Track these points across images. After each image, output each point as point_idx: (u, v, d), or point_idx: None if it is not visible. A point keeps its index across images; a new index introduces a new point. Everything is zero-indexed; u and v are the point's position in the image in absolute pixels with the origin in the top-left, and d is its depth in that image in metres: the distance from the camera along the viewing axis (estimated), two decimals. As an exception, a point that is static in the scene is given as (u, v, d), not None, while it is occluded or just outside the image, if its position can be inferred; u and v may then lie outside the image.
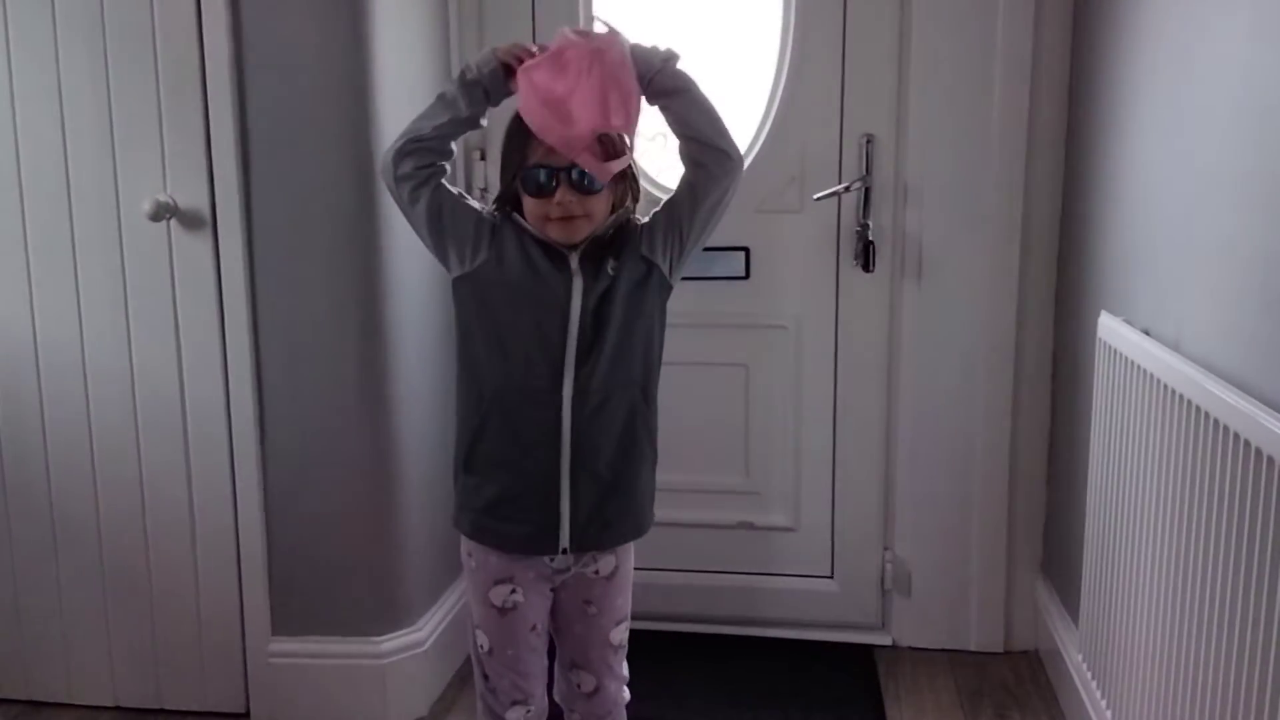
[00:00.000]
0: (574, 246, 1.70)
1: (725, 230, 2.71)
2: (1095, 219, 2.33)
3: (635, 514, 1.82)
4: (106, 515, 2.48)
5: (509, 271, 1.70)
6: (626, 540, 1.84)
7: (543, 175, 1.64)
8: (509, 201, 1.73)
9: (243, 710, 2.51)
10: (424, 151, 1.72)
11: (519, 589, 1.78)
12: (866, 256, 2.64)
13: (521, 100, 1.64)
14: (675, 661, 2.74)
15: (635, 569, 2.80)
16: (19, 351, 2.44)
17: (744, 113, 2.72)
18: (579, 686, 1.88)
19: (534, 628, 1.81)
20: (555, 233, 1.67)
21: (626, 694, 1.91)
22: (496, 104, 1.73)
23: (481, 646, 1.82)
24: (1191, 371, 1.63)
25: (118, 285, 2.38)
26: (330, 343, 2.35)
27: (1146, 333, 1.90)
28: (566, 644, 1.88)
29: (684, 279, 2.71)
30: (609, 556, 1.83)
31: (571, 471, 1.72)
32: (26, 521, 2.51)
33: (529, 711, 1.83)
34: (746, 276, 2.75)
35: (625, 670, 1.91)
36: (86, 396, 2.43)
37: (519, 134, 1.66)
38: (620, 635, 1.88)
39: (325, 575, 2.44)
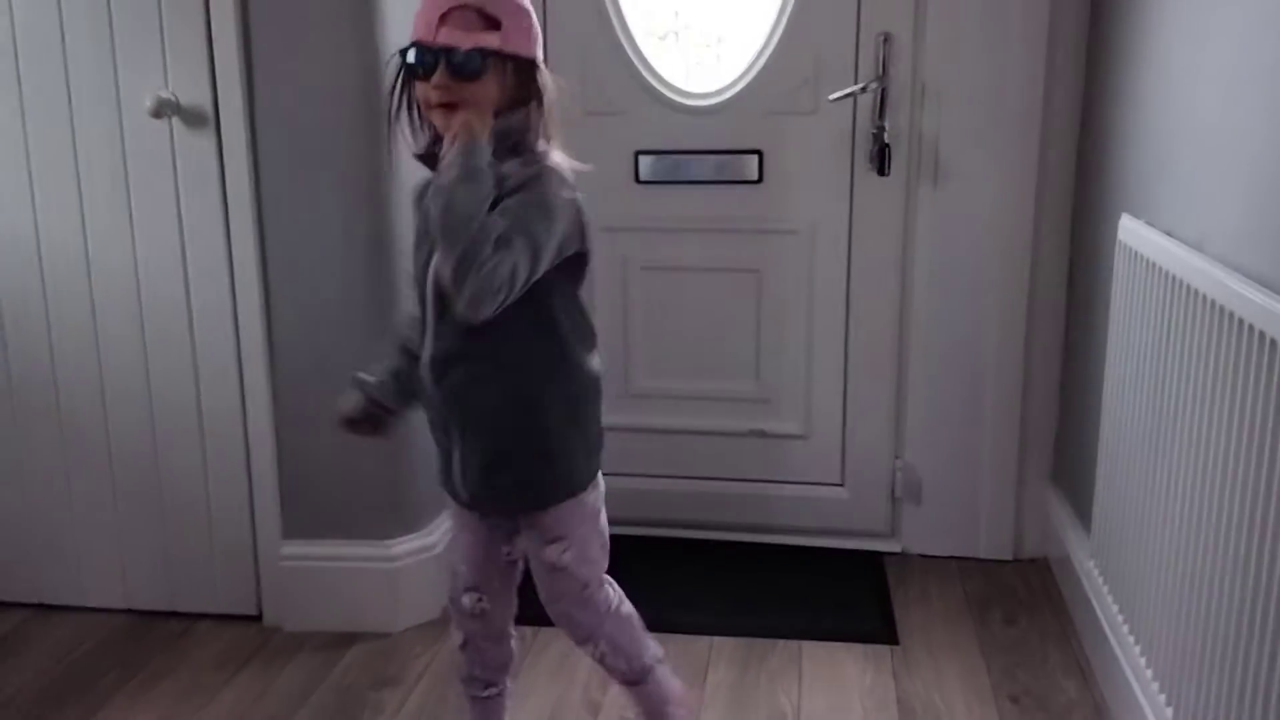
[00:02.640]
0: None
1: (737, 133, 2.69)
2: (1117, 121, 2.28)
3: (535, 485, 1.68)
4: (114, 418, 2.48)
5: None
6: (524, 508, 1.72)
7: (412, 54, 1.53)
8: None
9: (254, 613, 2.53)
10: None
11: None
12: (882, 160, 2.59)
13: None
14: (684, 568, 2.75)
15: (646, 476, 2.82)
16: (23, 253, 2.41)
17: (756, 11, 2.65)
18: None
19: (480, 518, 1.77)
20: (438, 121, 1.55)
21: (605, 601, 1.78)
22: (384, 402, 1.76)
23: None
24: (1216, 271, 1.60)
25: (120, 184, 2.34)
26: (338, 243, 2.32)
27: (1169, 235, 1.86)
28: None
29: (694, 183, 2.73)
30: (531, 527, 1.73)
31: (460, 434, 1.66)
32: (34, 425, 2.51)
33: (480, 599, 1.80)
34: (759, 180, 2.70)
35: (601, 591, 1.78)
36: (91, 298, 2.41)
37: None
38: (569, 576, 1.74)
39: (336, 479, 2.44)
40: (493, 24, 1.51)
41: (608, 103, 2.68)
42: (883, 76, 2.59)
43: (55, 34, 2.29)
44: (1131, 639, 1.98)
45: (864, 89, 2.59)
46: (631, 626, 1.82)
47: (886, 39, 2.57)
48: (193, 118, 2.28)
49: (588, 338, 1.68)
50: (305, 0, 2.23)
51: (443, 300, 1.56)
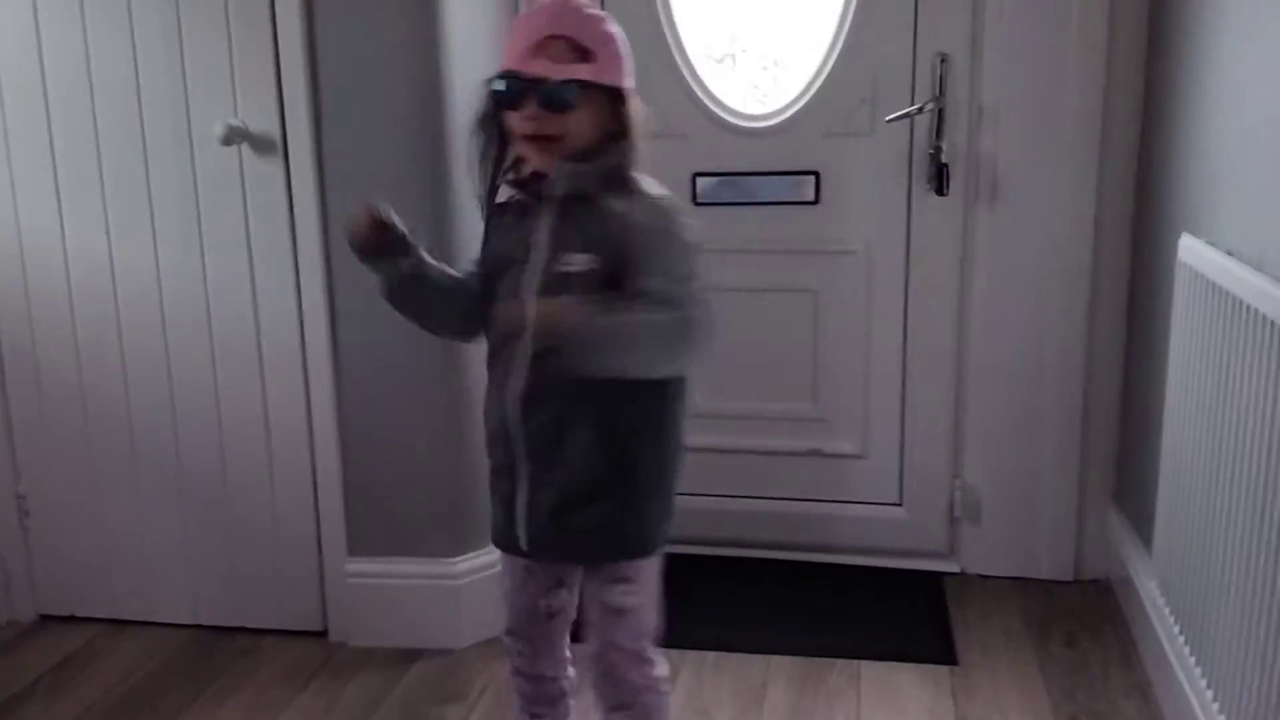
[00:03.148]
0: (540, 195, 1.54)
1: (794, 154, 2.71)
2: (1177, 139, 2.27)
3: (607, 534, 1.61)
4: (185, 437, 2.54)
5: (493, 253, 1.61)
6: (595, 561, 1.66)
7: (502, 84, 1.50)
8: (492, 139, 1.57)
9: (320, 629, 2.58)
10: (446, 322, 1.72)
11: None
12: (940, 179, 2.59)
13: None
14: (742, 587, 2.76)
15: (705, 495, 2.82)
16: (98, 276, 2.49)
17: (813, 33, 2.66)
18: (589, 649, 1.70)
19: (529, 570, 1.72)
20: (528, 153, 1.53)
21: (657, 670, 1.70)
22: (391, 258, 1.61)
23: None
24: (1277, 292, 1.58)
25: (191, 210, 2.41)
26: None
27: (1230, 254, 1.84)
28: (582, 600, 1.74)
29: (751, 204, 2.74)
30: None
31: (533, 474, 1.59)
32: (107, 444, 2.58)
33: (517, 642, 1.76)
34: (816, 201, 2.72)
35: (654, 656, 1.71)
36: (163, 320, 2.48)
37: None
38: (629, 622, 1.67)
39: (400, 497, 2.48)
40: (585, 54, 1.50)
41: (666, 125, 2.69)
42: (940, 97, 2.59)
43: (129, 65, 2.36)
44: (1193, 661, 1.96)
45: (921, 109, 2.60)
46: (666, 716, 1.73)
47: (944, 59, 2.58)
48: (261, 145, 2.34)
49: (685, 403, 1.62)
50: (371, 30, 2.28)
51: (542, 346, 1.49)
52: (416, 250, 1.63)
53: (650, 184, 1.56)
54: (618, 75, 1.53)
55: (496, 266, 1.61)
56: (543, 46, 1.48)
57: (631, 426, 1.57)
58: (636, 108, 1.55)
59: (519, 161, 1.58)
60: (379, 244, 1.59)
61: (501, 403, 1.59)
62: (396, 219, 1.60)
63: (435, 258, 1.67)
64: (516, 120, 1.51)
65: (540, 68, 1.48)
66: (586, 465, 1.57)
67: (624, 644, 1.66)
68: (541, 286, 1.53)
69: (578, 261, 1.52)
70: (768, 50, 2.75)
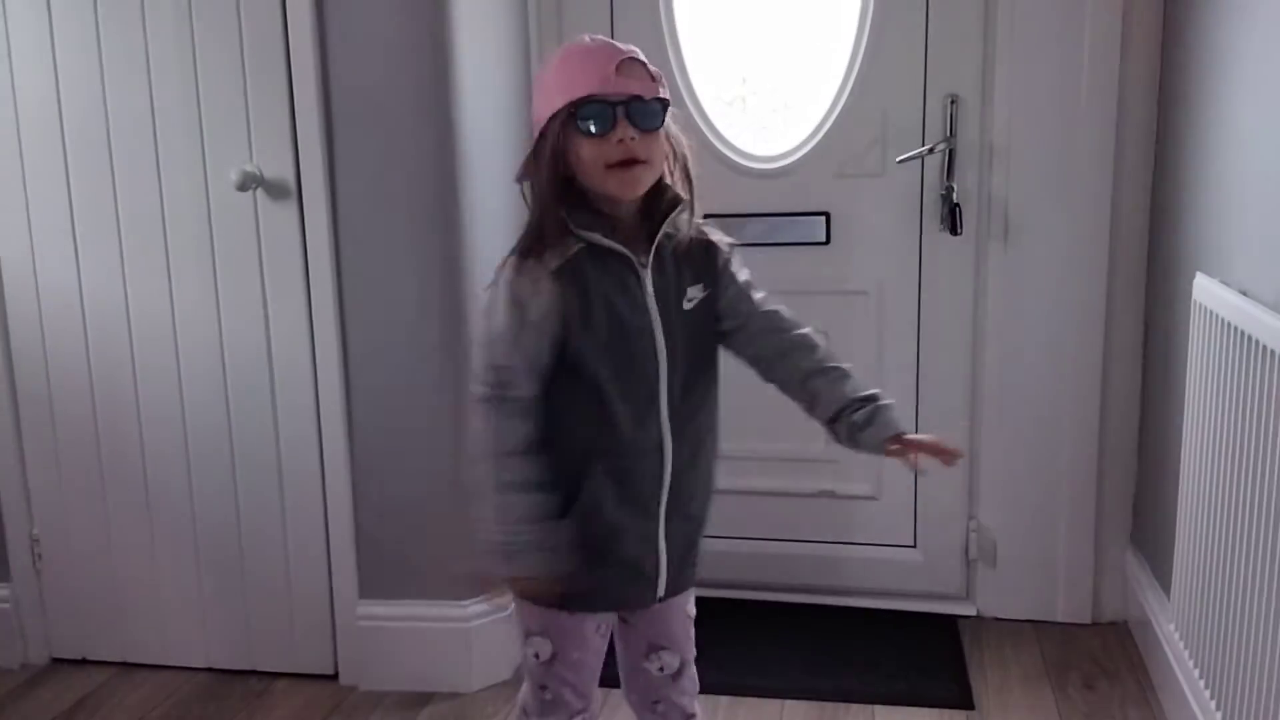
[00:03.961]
0: (635, 235, 1.49)
1: (805, 195, 2.71)
2: (1189, 178, 2.27)
3: (701, 556, 1.69)
4: (198, 481, 2.54)
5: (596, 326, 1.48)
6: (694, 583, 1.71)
7: (595, 109, 1.41)
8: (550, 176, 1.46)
9: (331, 672, 2.57)
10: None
11: None
12: (952, 220, 2.60)
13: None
14: (757, 630, 2.73)
15: (717, 537, 2.80)
16: (112, 321, 2.51)
17: (824, 72, 2.68)
18: (662, 669, 1.71)
19: (599, 626, 1.66)
20: (614, 186, 1.44)
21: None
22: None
23: (538, 655, 1.65)
24: (1293, 332, 1.58)
25: (206, 255, 2.43)
26: (414, 310, 2.37)
27: (1244, 294, 1.84)
28: (643, 627, 1.70)
29: (762, 245, 2.74)
30: None
31: (670, 523, 1.58)
32: (121, 488, 2.58)
33: (586, 707, 1.71)
34: (827, 241, 2.72)
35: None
36: (177, 364, 2.49)
37: (552, 85, 1.46)
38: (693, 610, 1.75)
39: (412, 539, 2.47)
40: (656, 77, 1.47)
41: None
42: (951, 137, 2.60)
43: (146, 110, 2.39)
44: (1213, 705, 1.94)
45: (932, 150, 2.60)
46: None
47: (954, 100, 2.59)
48: (276, 190, 2.36)
49: None
50: (385, 77, 2.31)
51: (687, 377, 1.52)
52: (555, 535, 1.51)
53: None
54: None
55: (612, 332, 1.48)
56: (624, 68, 1.43)
57: (717, 441, 1.64)
58: (685, 141, 1.55)
59: (584, 204, 1.48)
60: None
61: (655, 459, 1.53)
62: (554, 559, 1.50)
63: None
64: (601, 149, 1.42)
65: (629, 86, 1.42)
66: (707, 494, 1.63)
67: (687, 669, 1.73)
68: (677, 331, 1.52)
69: (695, 294, 1.54)
70: (778, 92, 2.77)
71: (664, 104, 1.46)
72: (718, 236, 1.60)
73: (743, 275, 1.61)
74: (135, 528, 2.59)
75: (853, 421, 1.54)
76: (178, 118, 2.38)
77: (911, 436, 1.53)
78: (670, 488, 1.55)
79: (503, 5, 2.57)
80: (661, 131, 1.47)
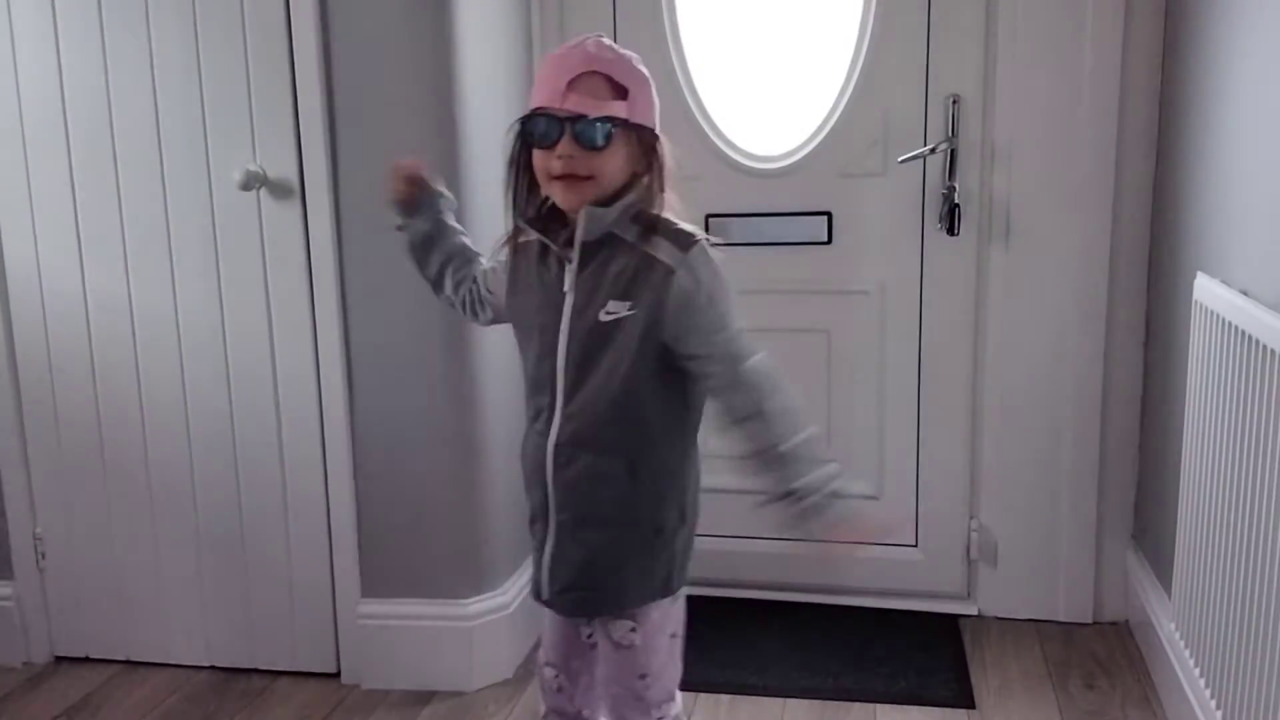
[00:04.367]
0: (570, 240, 1.52)
1: (807, 195, 2.72)
2: (1190, 178, 2.27)
3: (629, 586, 1.59)
4: (201, 481, 2.55)
5: (520, 299, 1.61)
6: (608, 610, 1.63)
7: (541, 124, 1.46)
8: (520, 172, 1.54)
9: (333, 670, 2.57)
10: (439, 281, 1.77)
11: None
12: (952, 220, 2.60)
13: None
14: (757, 629, 2.74)
15: (718, 536, 2.82)
16: (116, 320, 2.51)
17: (826, 72, 2.69)
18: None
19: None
20: (557, 195, 1.49)
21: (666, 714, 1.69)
22: (418, 214, 1.76)
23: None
24: (1294, 332, 1.58)
25: (209, 254, 2.43)
26: (417, 310, 2.37)
27: (1245, 294, 1.84)
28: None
29: (764, 245, 2.75)
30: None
31: (560, 527, 1.58)
32: (123, 487, 2.59)
33: (557, 676, 1.74)
34: (829, 241, 2.72)
35: (653, 698, 1.67)
36: (180, 363, 2.50)
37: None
38: (632, 661, 1.64)
39: (413, 539, 2.48)
40: (620, 92, 1.46)
41: (678, 167, 2.71)
42: (952, 138, 2.60)
43: (149, 109, 2.40)
44: (1214, 704, 1.94)
45: (933, 150, 2.61)
46: None
47: (955, 100, 2.59)
48: (279, 190, 2.37)
49: (699, 432, 1.61)
50: (388, 76, 2.31)
51: (579, 381, 1.52)
52: (442, 215, 1.75)
53: (679, 223, 1.54)
54: (650, 116, 1.51)
55: (525, 313, 1.60)
56: (578, 83, 1.45)
57: (662, 463, 1.56)
58: (667, 150, 1.53)
59: (543, 203, 1.56)
60: (409, 199, 1.74)
61: (541, 451, 1.57)
62: (433, 181, 1.74)
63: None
64: (547, 160, 1.47)
65: (575, 104, 1.44)
66: (620, 512, 1.55)
67: (624, 677, 1.64)
68: (582, 336, 1.52)
69: (617, 309, 1.49)
70: (780, 91, 2.77)
71: (611, 123, 1.46)
72: (681, 265, 1.49)
73: (708, 312, 1.49)
74: (138, 527, 2.60)
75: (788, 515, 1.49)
76: (181, 117, 2.39)
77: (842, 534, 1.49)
78: (557, 499, 1.57)
79: (505, 4, 2.58)
80: (615, 148, 1.47)
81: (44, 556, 2.66)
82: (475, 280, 1.73)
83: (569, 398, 1.54)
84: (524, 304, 1.61)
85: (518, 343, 1.64)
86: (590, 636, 1.71)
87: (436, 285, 1.78)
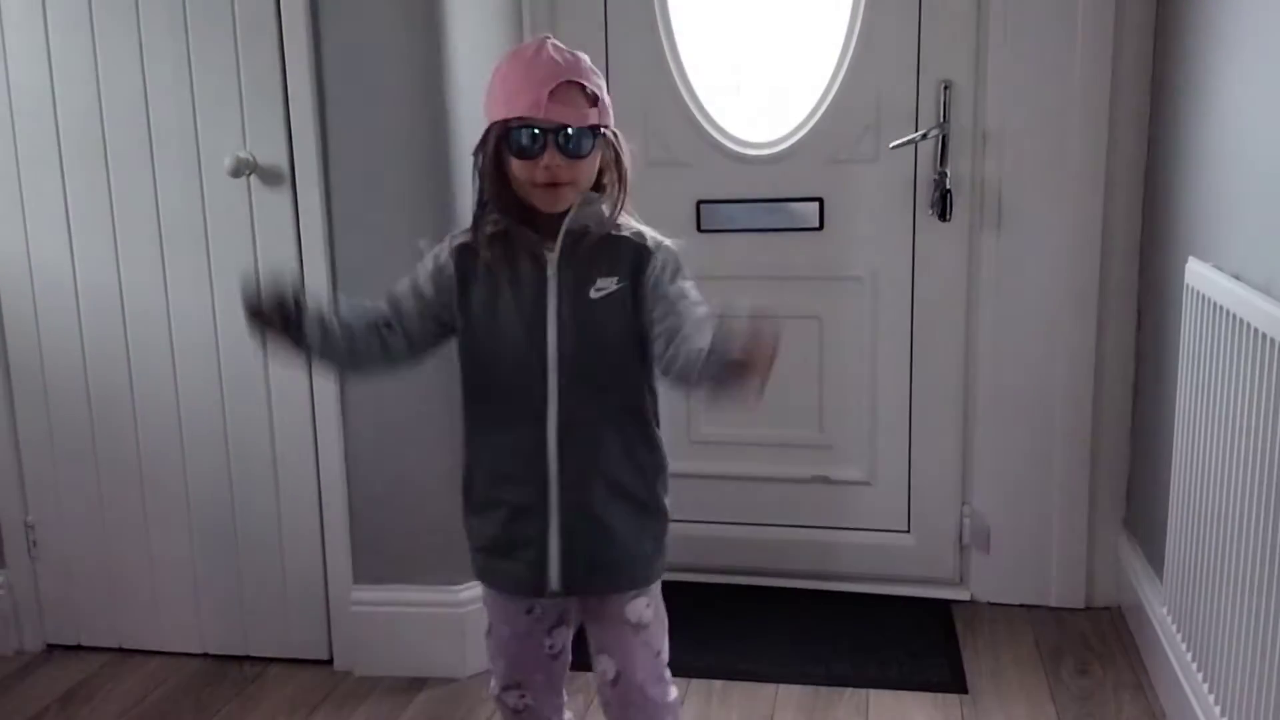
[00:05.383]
0: (554, 236, 1.56)
1: (798, 181, 2.71)
2: (1182, 163, 2.27)
3: (641, 562, 1.65)
4: (192, 467, 2.54)
5: (482, 303, 1.60)
6: (625, 587, 1.65)
7: (525, 136, 1.50)
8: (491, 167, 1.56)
9: (326, 657, 2.57)
10: (383, 345, 1.65)
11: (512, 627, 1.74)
12: (944, 206, 2.60)
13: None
14: (749, 616, 2.74)
15: (712, 523, 2.82)
16: (106, 307, 2.50)
17: (817, 59, 2.68)
18: (605, 674, 1.70)
19: (530, 609, 1.72)
20: (538, 200, 1.54)
21: (672, 692, 1.72)
22: (300, 326, 1.57)
23: (489, 625, 1.78)
24: (1284, 315, 1.58)
25: (200, 241, 2.42)
26: (406, 296, 2.37)
27: (1237, 278, 1.84)
28: (589, 625, 1.72)
29: (756, 231, 2.75)
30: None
31: (568, 512, 1.59)
32: (116, 475, 2.58)
33: (522, 696, 1.77)
34: (820, 227, 2.72)
35: (667, 675, 1.72)
36: (171, 350, 2.49)
37: (496, 93, 1.55)
38: (650, 639, 1.68)
39: (405, 526, 2.48)
40: (593, 99, 1.52)
41: (670, 154, 2.73)
42: (944, 123, 2.60)
43: (140, 96, 2.39)
44: (1206, 688, 1.95)
45: (925, 136, 2.60)
46: None
47: (947, 86, 2.59)
48: (270, 176, 2.36)
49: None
50: (378, 64, 2.30)
51: (576, 360, 1.55)
52: (311, 322, 1.57)
53: (640, 225, 1.62)
54: (610, 117, 1.57)
55: (487, 310, 1.60)
56: (557, 93, 1.49)
57: (650, 439, 1.63)
58: (626, 148, 1.59)
59: (512, 208, 1.57)
60: (277, 322, 1.56)
61: (535, 437, 1.58)
62: (294, 295, 1.55)
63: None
64: (530, 169, 1.51)
65: (559, 115, 1.49)
66: (627, 491, 1.61)
67: (647, 660, 1.67)
68: (574, 316, 1.56)
69: (606, 285, 1.56)
70: (771, 78, 2.76)
71: (594, 130, 1.53)
72: (652, 240, 1.59)
73: (674, 284, 1.55)
74: (130, 514, 2.59)
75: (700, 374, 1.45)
76: (171, 104, 2.38)
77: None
78: (564, 482, 1.58)
79: (496, -9, 2.56)
80: (595, 153, 1.54)
81: (35, 545, 2.66)
82: (399, 308, 1.65)
83: (568, 380, 1.57)
84: (484, 302, 1.60)
85: (467, 351, 1.63)
86: (551, 647, 1.75)
87: (386, 352, 1.66)
